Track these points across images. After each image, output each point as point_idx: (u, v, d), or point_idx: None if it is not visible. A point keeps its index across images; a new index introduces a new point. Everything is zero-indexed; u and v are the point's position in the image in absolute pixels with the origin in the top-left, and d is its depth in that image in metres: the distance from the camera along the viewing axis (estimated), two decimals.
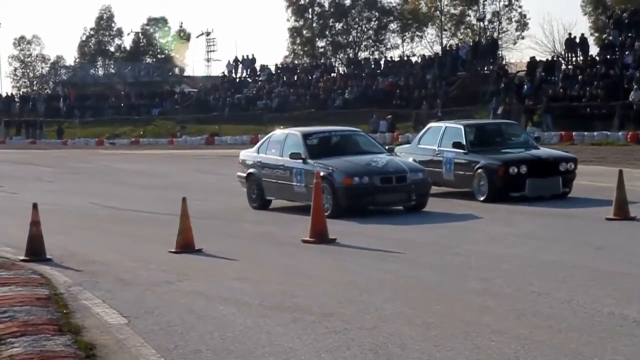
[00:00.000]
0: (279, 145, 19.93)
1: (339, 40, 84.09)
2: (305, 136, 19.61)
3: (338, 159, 18.78)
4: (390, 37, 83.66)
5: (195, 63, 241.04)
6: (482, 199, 19.43)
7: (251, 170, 20.35)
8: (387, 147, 20.50)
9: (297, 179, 19.02)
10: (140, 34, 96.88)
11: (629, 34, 48.78)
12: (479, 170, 19.66)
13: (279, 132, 20.87)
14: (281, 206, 19.77)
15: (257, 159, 20.40)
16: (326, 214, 16.64)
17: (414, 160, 20.14)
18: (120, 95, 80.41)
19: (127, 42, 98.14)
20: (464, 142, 20.39)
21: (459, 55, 59.98)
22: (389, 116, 53.23)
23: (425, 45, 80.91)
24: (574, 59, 52.85)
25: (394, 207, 18.86)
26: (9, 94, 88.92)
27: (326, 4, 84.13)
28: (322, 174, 17.44)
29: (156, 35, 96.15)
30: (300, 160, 18.95)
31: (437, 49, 74.28)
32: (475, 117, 42.15)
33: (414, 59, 66.78)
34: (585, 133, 41.77)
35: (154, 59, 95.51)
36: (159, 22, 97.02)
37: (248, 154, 21.09)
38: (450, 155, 20.55)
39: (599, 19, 70.14)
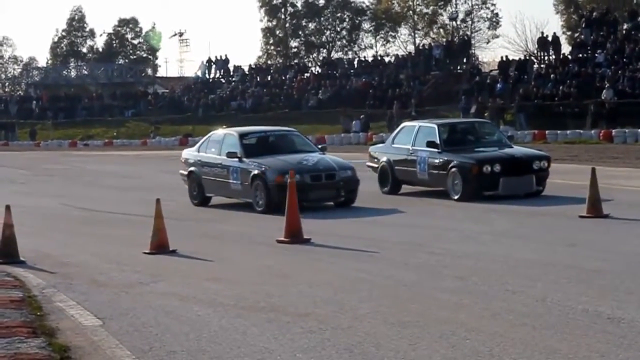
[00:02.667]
0: (218, 144, 20.87)
1: (312, 41, 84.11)
2: (242, 136, 20.56)
3: (272, 157, 19.66)
4: (364, 37, 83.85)
5: (168, 64, 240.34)
6: (456, 197, 19.47)
7: (192, 168, 21.36)
8: (319, 147, 21.29)
9: (234, 176, 19.95)
10: (112, 35, 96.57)
11: (601, 33, 49.04)
12: (453, 169, 19.70)
13: (218, 132, 21.83)
14: (252, 205, 19.75)
15: (198, 157, 21.38)
16: (259, 209, 19.01)
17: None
18: (93, 96, 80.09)
19: (100, 43, 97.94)
20: (438, 141, 20.42)
21: (432, 54, 60.18)
22: (362, 116, 53.31)
23: (398, 45, 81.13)
24: (546, 57, 53.11)
25: (325, 202, 19.60)
26: None
27: (299, 4, 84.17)
28: (256, 172, 19.12)
29: (141, 37, 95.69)
30: (237, 159, 19.87)
31: (411, 48, 74.53)
32: (449, 116, 42.26)
33: (387, 59, 66.90)
34: (558, 132, 41.98)
35: (127, 60, 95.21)
36: (130, 22, 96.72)
37: (190, 153, 22.17)
38: (424, 155, 20.59)
39: (571, 17, 70.46)
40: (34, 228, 17.40)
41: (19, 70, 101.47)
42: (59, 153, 55.86)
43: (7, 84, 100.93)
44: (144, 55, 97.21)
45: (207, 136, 22.16)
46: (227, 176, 20.17)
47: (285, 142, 21.04)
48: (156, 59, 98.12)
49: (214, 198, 21.07)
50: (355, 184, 19.53)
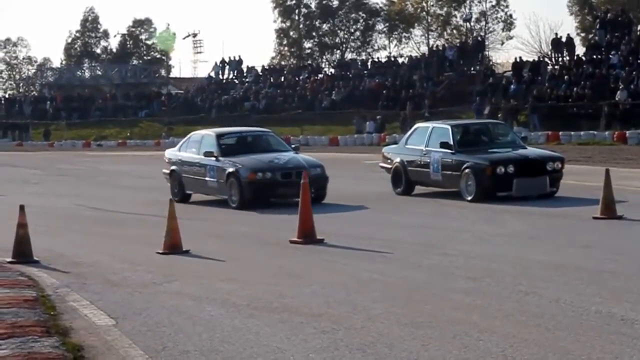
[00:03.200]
0: (197, 144, 22.10)
1: (325, 41, 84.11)
2: (219, 136, 21.85)
3: (246, 156, 20.85)
4: (377, 38, 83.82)
5: (182, 64, 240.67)
6: (469, 198, 19.44)
7: (173, 167, 22.57)
8: (293, 146, 22.47)
9: (211, 174, 21.13)
10: (126, 36, 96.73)
11: (615, 34, 48.91)
12: (467, 170, 19.67)
13: (198, 133, 23.28)
14: (266, 205, 19.78)
15: (179, 157, 22.61)
16: (233, 205, 20.12)
17: (398, 161, 20.20)
18: (106, 97, 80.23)
19: (114, 44, 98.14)
20: (451, 142, 20.39)
21: (445, 55, 60.09)
22: (378, 117, 53.27)
23: (412, 46, 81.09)
24: (560, 59, 52.99)
25: (295, 199, 19.27)
26: None
27: (313, 5, 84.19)
28: (230, 170, 20.36)
29: (154, 39, 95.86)
30: (213, 158, 21.05)
31: (424, 49, 74.43)
32: (462, 117, 42.20)
33: (400, 60, 66.84)
34: (572, 133, 41.90)
35: (141, 61, 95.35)
36: (145, 23, 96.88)
37: (171, 153, 23.40)
38: (438, 156, 20.56)
39: (585, 19, 70.28)
40: (48, 228, 17.44)
41: (33, 70, 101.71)
42: (72, 153, 55.98)
43: (21, 84, 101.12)
44: (158, 56, 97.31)
45: (187, 137, 23.38)
46: (204, 174, 21.31)
47: (260, 142, 22.24)
48: (169, 59, 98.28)
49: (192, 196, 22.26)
50: (324, 182, 20.48)
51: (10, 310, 9.51)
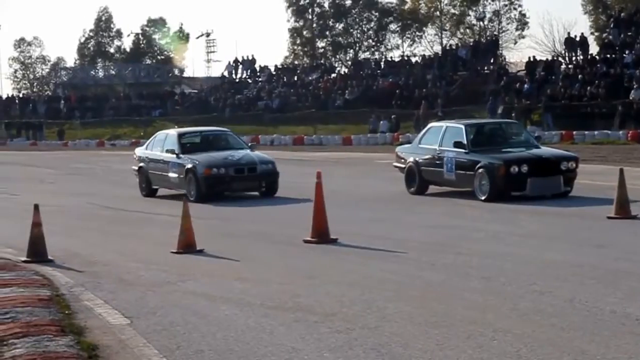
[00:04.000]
0: (161, 143, 23.91)
1: (339, 41, 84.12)
2: (180, 135, 23.76)
3: (204, 154, 22.65)
4: (391, 38, 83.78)
5: (195, 64, 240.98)
6: (483, 198, 19.41)
7: (141, 164, 24.47)
8: (249, 144, 24.48)
9: (172, 170, 22.89)
10: (140, 35, 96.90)
11: (629, 33, 48.78)
12: (480, 170, 19.63)
13: (163, 132, 25.12)
14: (280, 205, 19.79)
15: (145, 154, 24.51)
16: (192, 199, 21.10)
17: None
18: (120, 96, 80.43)
19: (127, 43, 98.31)
20: (465, 142, 20.36)
21: (459, 55, 60.02)
22: (392, 116, 53.23)
23: (425, 45, 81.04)
24: (574, 58, 52.87)
25: (248, 192, 22.49)
26: (10, 96, 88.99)
27: (326, 5, 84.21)
28: (189, 166, 22.09)
29: (155, 37, 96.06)
30: (174, 155, 22.80)
31: (437, 49, 74.35)
32: (476, 116, 42.14)
33: (414, 59, 66.78)
34: (586, 132, 41.80)
35: (154, 60, 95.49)
36: (158, 23, 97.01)
37: (140, 151, 25.33)
38: (451, 155, 20.53)
39: (599, 18, 70.10)
40: (62, 227, 17.48)
41: (47, 70, 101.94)
42: (86, 153, 56.10)
43: (35, 84, 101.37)
44: (171, 55, 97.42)
45: (153, 136, 25.38)
46: (167, 170, 23.14)
47: (219, 140, 24.15)
48: (183, 59, 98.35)
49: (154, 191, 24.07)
50: (275, 176, 22.32)
51: (25, 310, 9.54)
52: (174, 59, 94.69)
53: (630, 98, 42.45)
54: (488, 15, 75.93)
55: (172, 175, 22.94)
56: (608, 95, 43.47)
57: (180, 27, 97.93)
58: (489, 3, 76.42)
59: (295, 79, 69.55)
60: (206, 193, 21.53)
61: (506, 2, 76.40)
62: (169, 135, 24.11)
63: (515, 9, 76.62)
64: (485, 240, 14.24)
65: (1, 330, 8.71)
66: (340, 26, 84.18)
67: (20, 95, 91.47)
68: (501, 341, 7.97)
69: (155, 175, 23.79)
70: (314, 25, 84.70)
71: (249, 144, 24.70)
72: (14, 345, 8.12)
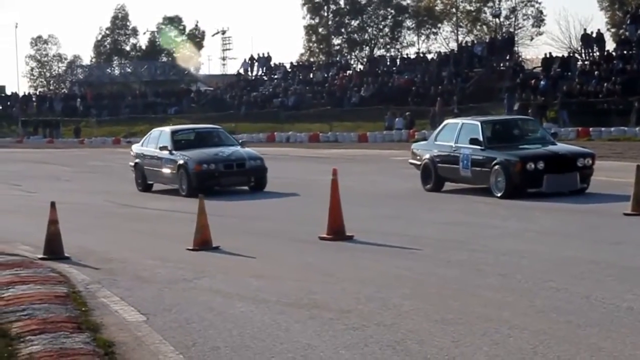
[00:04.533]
0: (156, 140, 25.06)
1: (354, 38, 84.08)
2: (173, 133, 24.85)
3: (195, 150, 23.66)
4: (406, 35, 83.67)
5: (211, 61, 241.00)
6: (499, 195, 19.37)
7: (137, 160, 25.54)
8: (240, 141, 25.54)
9: (166, 166, 23.94)
10: (155, 33, 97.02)
11: None
12: (496, 167, 19.59)
13: (157, 129, 26.16)
14: (295, 202, 19.78)
15: (141, 151, 25.62)
16: (183, 193, 22.87)
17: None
18: (136, 94, 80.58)
19: (143, 41, 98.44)
20: (481, 139, 20.33)
21: (474, 52, 59.89)
22: (407, 113, 53.18)
23: (441, 42, 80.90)
24: (590, 54, 52.71)
25: (237, 187, 23.51)
26: (26, 94, 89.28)
27: (342, 2, 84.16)
28: (181, 162, 23.19)
29: (159, 39, 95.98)
30: (167, 152, 23.88)
31: (453, 45, 74.23)
32: (492, 113, 42.05)
33: (429, 56, 66.68)
34: (602, 129, 41.66)
35: (170, 58, 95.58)
36: (174, 21, 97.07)
37: (136, 147, 26.39)
38: (467, 152, 20.50)
39: (615, 14, 69.86)
40: (79, 224, 17.52)
41: (64, 68, 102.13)
42: (102, 150, 56.23)
43: (52, 81, 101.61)
44: (187, 53, 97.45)
45: (149, 133, 26.53)
46: (161, 166, 24.21)
47: (210, 137, 25.11)
48: (199, 57, 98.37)
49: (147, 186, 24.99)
50: (263, 172, 23.38)
51: (42, 306, 9.58)
52: (180, 57, 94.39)
53: None
54: (504, 12, 75.77)
55: (165, 170, 24.00)
56: (624, 92, 43.32)
57: (196, 25, 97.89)
58: (505, 0, 76.30)
59: (311, 76, 69.54)
60: (197, 188, 22.00)
61: None
62: (163, 132, 25.24)
63: (532, 5, 76.45)
64: (501, 237, 14.21)
65: (18, 327, 8.74)
66: (355, 23, 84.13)
67: (37, 93, 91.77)
68: (517, 338, 7.96)
69: (150, 170, 24.83)
70: (330, 22, 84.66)
71: (240, 141, 25.80)
72: (30, 342, 8.15)
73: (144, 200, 22.73)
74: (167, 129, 25.58)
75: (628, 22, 51.75)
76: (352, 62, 78.31)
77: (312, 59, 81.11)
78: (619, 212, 16.05)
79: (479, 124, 20.98)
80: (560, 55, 55.68)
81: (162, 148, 24.21)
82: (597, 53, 51.49)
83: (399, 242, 13.92)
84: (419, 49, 77.35)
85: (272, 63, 74.01)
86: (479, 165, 20.19)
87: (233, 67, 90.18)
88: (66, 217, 15.39)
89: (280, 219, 18.17)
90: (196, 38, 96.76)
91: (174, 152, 23.77)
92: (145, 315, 9.51)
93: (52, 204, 13.66)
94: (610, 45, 54.34)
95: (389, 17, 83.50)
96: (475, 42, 65.01)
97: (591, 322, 8.40)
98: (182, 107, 73.22)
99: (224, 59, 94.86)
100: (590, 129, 41.85)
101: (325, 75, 68.16)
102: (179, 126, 27.82)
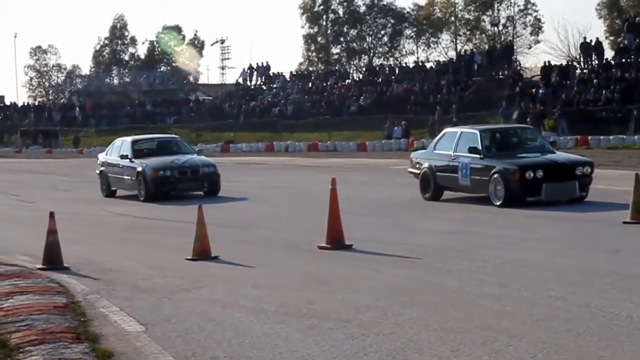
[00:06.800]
0: (118, 149, 26.90)
1: (353, 47, 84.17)
2: (133, 142, 26.64)
3: (153, 158, 25.44)
4: (405, 43, 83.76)
5: (210, 71, 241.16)
6: (498, 203, 19.37)
7: (102, 168, 27.40)
8: (197, 150, 27.98)
9: (126, 173, 25.71)
10: (154, 43, 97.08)
11: None
12: (495, 175, 19.60)
13: (120, 139, 27.89)
14: (293, 212, 19.76)
15: (105, 159, 27.51)
16: (141, 199, 24.65)
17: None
18: (135, 103, 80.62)
19: (142, 50, 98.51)
20: (480, 147, 20.34)
21: (473, 60, 59.96)
22: (403, 122, 53.22)
23: (439, 51, 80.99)
24: (589, 63, 52.77)
25: (191, 192, 25.14)
26: (25, 104, 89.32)
27: (340, 11, 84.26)
28: (139, 169, 24.91)
29: (162, 45, 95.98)
30: (128, 160, 25.67)
31: (452, 54, 74.29)
32: (491, 122, 42.08)
33: (428, 65, 66.77)
34: (601, 137, 41.71)
35: (169, 67, 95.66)
36: (173, 30, 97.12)
37: (101, 156, 28.21)
38: (466, 161, 20.51)
39: (614, 22, 69.94)
40: (78, 234, 17.52)
41: (63, 78, 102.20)
42: None
43: (50, 91, 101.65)
44: (186, 62, 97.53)
45: (112, 142, 28.29)
46: (122, 173, 25.99)
47: (168, 146, 26.96)
48: (198, 66, 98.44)
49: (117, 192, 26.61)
50: (216, 178, 25.07)
51: (41, 317, 9.57)
52: (183, 64, 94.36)
53: None
54: (502, 21, 75.84)
55: (126, 177, 25.77)
56: (623, 100, 43.38)
57: (195, 35, 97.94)
58: (504, 8, 76.42)
59: (310, 85, 69.59)
60: (154, 193, 24.15)
61: (521, 7, 76.38)
62: (124, 142, 27.00)
63: (530, 14, 76.54)
64: (501, 246, 14.21)
65: (17, 337, 8.73)
66: (354, 32, 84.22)
67: (36, 103, 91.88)
68: (517, 347, 7.96)
69: (113, 177, 26.65)
70: (329, 31, 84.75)
71: (196, 149, 28.20)
72: (30, 353, 8.15)
73: (142, 210, 22.71)
74: (129, 139, 27.18)
75: (626, 30, 51.83)
76: (351, 71, 78.37)
77: (311, 68, 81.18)
78: (618, 220, 16.06)
79: (477, 132, 20.98)
80: (559, 63, 55.78)
81: (123, 156, 25.98)
82: (596, 61, 51.57)
83: (398, 251, 13.91)
84: (417, 58, 77.54)
85: (270, 72, 74.12)
86: (478, 174, 20.19)
87: (232, 77, 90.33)
88: (65, 227, 15.39)
89: (278, 228, 18.16)
90: (195, 47, 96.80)
91: (133, 160, 25.50)
92: (145, 325, 9.49)
93: (51, 214, 13.65)
94: (608, 54, 54.46)
95: (388, 26, 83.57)
96: (475, 50, 65.03)
97: (591, 331, 8.40)
98: (181, 116, 73.27)
99: (222, 68, 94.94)
100: (589, 137, 41.89)
101: (324, 84, 68.21)
102: (139, 136, 29.33)
